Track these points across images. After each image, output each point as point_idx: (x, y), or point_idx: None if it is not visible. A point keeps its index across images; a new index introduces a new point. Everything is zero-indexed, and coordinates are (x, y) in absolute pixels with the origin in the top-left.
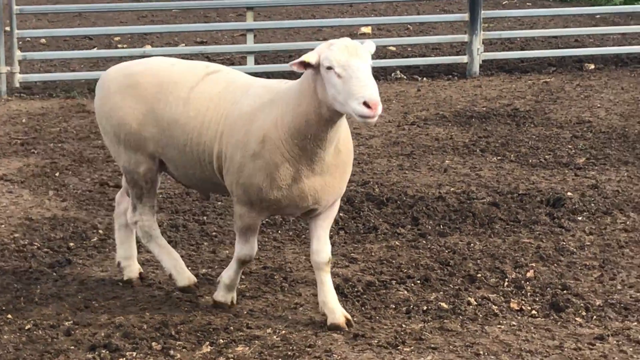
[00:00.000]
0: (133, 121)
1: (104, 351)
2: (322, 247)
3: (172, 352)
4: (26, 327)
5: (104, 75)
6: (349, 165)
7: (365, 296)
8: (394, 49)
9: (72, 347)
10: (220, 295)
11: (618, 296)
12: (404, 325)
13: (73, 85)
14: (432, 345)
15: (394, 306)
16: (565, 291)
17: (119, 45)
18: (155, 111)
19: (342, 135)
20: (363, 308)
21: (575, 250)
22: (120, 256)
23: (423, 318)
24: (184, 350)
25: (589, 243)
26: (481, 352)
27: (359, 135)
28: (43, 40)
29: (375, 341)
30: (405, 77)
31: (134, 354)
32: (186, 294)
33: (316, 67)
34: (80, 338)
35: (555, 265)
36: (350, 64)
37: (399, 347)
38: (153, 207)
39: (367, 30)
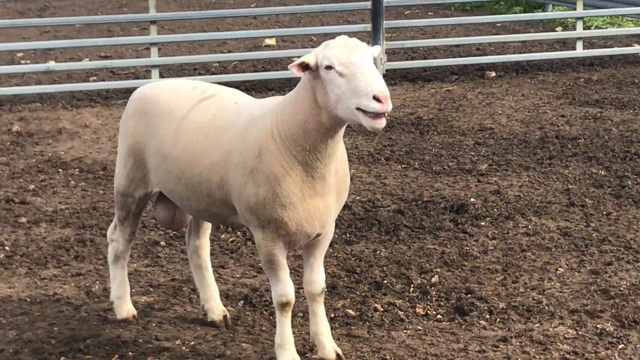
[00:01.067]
0: (141, 149)
1: None
2: (315, 277)
3: None
4: None
5: (134, 93)
6: (345, 188)
7: (272, 305)
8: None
9: None
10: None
11: (520, 298)
12: (303, 333)
13: None
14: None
15: (301, 314)
16: (469, 295)
17: (22, 62)
18: (155, 143)
19: (339, 155)
20: (271, 317)
21: (478, 254)
22: (202, 299)
23: (331, 325)
24: None
25: (492, 247)
26: (388, 357)
27: None
28: None
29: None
30: None
31: None
32: (126, 323)
33: (314, 70)
34: None
35: (459, 270)
36: (351, 60)
37: (307, 355)
38: (133, 233)
39: (272, 42)
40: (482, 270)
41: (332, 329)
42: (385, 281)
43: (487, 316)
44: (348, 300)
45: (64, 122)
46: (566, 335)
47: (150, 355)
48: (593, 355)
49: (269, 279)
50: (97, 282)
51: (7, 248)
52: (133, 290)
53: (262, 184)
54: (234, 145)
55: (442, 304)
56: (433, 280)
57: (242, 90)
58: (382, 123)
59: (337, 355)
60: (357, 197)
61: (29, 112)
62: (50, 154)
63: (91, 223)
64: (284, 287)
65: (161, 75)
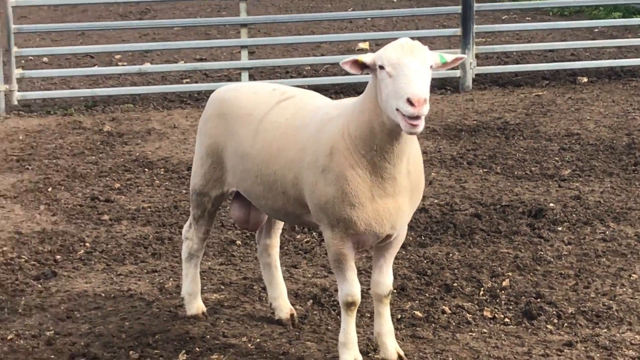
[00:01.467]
0: (219, 150)
1: (83, 359)
2: (383, 279)
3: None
4: (8, 337)
5: (212, 95)
6: (418, 191)
7: (338, 306)
8: None
9: (53, 357)
10: (343, 359)
11: (591, 304)
12: (369, 332)
13: (71, 103)
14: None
15: (369, 315)
16: (539, 299)
17: (119, 63)
18: (234, 144)
19: (412, 156)
20: (338, 317)
21: (552, 259)
22: (270, 297)
23: (396, 326)
24: (160, 358)
25: (566, 253)
26: (450, 359)
27: None
28: (45, 59)
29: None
30: None
31: None
32: (195, 319)
33: (374, 70)
34: (61, 347)
35: (531, 274)
36: (401, 62)
37: (369, 354)
38: (208, 232)
39: (365, 45)
40: (554, 275)
41: (397, 329)
42: (455, 284)
43: (555, 321)
44: (417, 302)
45: (154, 122)
46: (633, 341)
47: (216, 352)
48: None
49: (336, 278)
50: (171, 279)
51: (87, 244)
52: (205, 288)
53: (332, 183)
54: (308, 144)
55: (511, 307)
56: (504, 284)
57: (332, 93)
58: (416, 126)
59: (399, 356)
60: (435, 201)
61: (121, 112)
62: (137, 154)
63: (171, 221)
64: (351, 287)
65: (252, 78)
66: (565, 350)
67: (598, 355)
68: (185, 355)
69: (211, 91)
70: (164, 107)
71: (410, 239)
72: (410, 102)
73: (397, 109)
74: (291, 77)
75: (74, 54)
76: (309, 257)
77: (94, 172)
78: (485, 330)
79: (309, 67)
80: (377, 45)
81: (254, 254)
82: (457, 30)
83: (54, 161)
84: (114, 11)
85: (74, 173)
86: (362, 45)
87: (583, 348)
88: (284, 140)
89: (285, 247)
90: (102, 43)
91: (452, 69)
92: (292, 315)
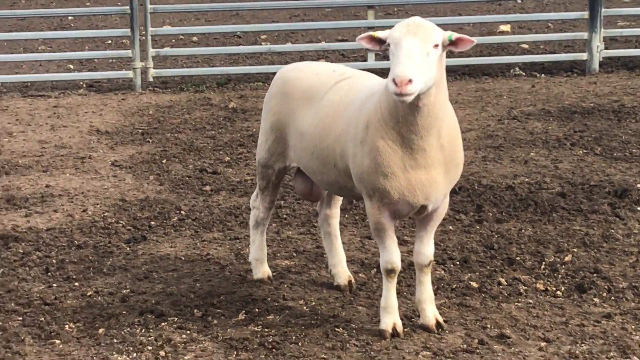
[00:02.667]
0: (282, 127)
1: (150, 315)
2: (423, 249)
3: (209, 318)
4: (88, 294)
5: (277, 74)
6: (454, 165)
7: (402, 274)
8: (526, 46)
9: (124, 312)
10: (383, 322)
11: None
12: None
13: (206, 80)
14: (444, 319)
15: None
16: (594, 274)
17: (263, 43)
18: (295, 123)
19: (444, 130)
20: (398, 285)
21: (620, 237)
22: (330, 264)
23: (447, 295)
24: (221, 317)
25: (637, 231)
26: (488, 326)
27: None
28: (195, 38)
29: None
30: (524, 73)
31: (175, 319)
32: (261, 283)
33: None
34: (133, 304)
35: (595, 250)
36: (400, 41)
37: (412, 320)
38: (273, 202)
39: (507, 28)
40: (618, 252)
41: (448, 298)
42: (518, 258)
43: (604, 294)
44: (477, 273)
45: None
46: None
47: (273, 313)
48: None
49: (378, 246)
50: (248, 247)
51: (182, 212)
52: (278, 255)
53: (367, 154)
54: (352, 119)
55: (566, 281)
56: (566, 259)
57: (463, 75)
58: (404, 100)
59: (438, 322)
60: (526, 179)
61: (250, 90)
62: (255, 130)
63: None
64: (390, 255)
65: (376, 59)
66: (602, 322)
67: (633, 327)
68: (244, 314)
69: None
70: None
71: (490, 215)
72: (394, 81)
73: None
74: None
75: (223, 33)
76: None
77: (209, 146)
78: (531, 301)
79: None
80: (519, 27)
81: None
82: (585, 14)
83: (175, 135)
84: None
85: (191, 146)
86: (503, 27)
87: (620, 320)
88: (336, 117)
89: (366, 220)
90: (253, 23)
91: (579, 51)
92: (349, 282)
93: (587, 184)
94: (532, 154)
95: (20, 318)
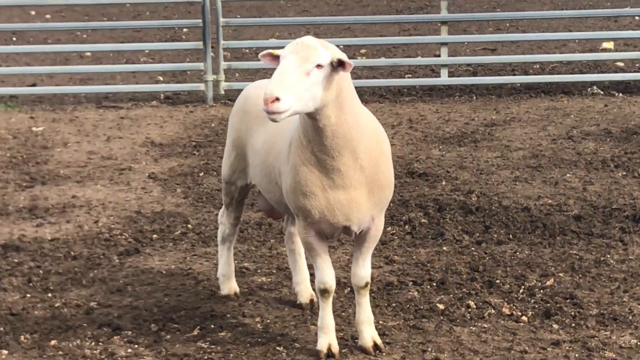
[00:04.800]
0: (242, 144)
1: (106, 329)
2: (358, 270)
3: (163, 333)
4: (56, 305)
5: (242, 92)
6: (378, 186)
7: (373, 295)
8: (621, 64)
9: (84, 325)
10: (319, 343)
11: (617, 307)
12: (382, 322)
13: None
14: (389, 341)
15: (394, 304)
16: (568, 300)
17: (359, 57)
18: (251, 140)
19: (361, 151)
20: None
21: (613, 263)
22: (294, 282)
23: (406, 317)
24: (176, 332)
25: (632, 257)
26: (428, 349)
27: (506, 147)
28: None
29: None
30: (601, 92)
31: (129, 332)
32: (227, 299)
33: None
34: (95, 317)
35: (580, 276)
36: (282, 59)
37: (356, 339)
38: (238, 219)
39: (609, 45)
40: (603, 278)
41: (405, 320)
42: (498, 281)
43: (567, 321)
44: (450, 295)
45: None
46: (623, 345)
47: (226, 329)
48: None
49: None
50: (236, 261)
51: (189, 226)
52: (259, 271)
53: (289, 173)
54: (287, 137)
55: (537, 306)
56: (547, 283)
57: (540, 92)
58: (273, 118)
59: (375, 343)
60: (549, 201)
61: None
62: None
63: None
64: (322, 275)
65: (450, 74)
66: (547, 349)
67: (577, 355)
68: (198, 330)
69: (407, 86)
70: (363, 100)
71: (495, 236)
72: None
73: None
74: (514, 74)
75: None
76: (377, 249)
77: None
78: (487, 325)
79: (537, 65)
80: (625, 45)
81: (333, 245)
82: None
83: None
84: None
85: None
86: (606, 44)
87: (567, 347)
88: (279, 134)
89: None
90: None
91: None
92: (311, 300)
93: (609, 207)
94: (568, 175)
95: None
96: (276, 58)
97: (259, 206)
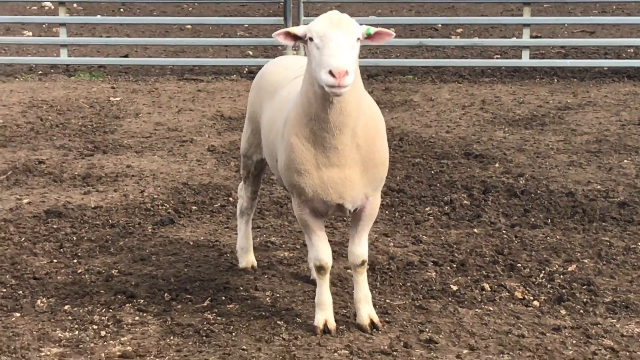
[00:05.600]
0: (256, 119)
1: (120, 296)
2: (354, 248)
3: (174, 302)
4: (78, 271)
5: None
6: (373, 165)
7: (390, 274)
8: None
9: (101, 291)
10: (316, 319)
11: (632, 296)
12: (388, 300)
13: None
14: (389, 320)
15: (408, 284)
16: (585, 286)
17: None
18: (263, 116)
19: (359, 129)
20: (379, 285)
21: None
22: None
23: (414, 296)
24: (188, 303)
25: None
26: (426, 330)
27: (572, 131)
28: None
29: (346, 310)
30: None
31: (142, 301)
32: (244, 272)
33: (305, 42)
34: (113, 285)
35: (604, 263)
36: (327, 34)
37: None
38: (255, 193)
39: None
40: (627, 266)
41: (414, 299)
42: (520, 265)
43: (577, 307)
44: (468, 277)
45: (417, 95)
46: (625, 333)
47: (235, 302)
48: (627, 354)
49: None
50: (264, 235)
51: (230, 199)
52: (283, 246)
53: (284, 150)
54: (283, 113)
55: (552, 291)
56: (569, 269)
57: (627, 77)
58: (339, 92)
59: (372, 322)
60: (598, 186)
61: (398, 83)
62: None
63: None
64: (318, 252)
65: (532, 57)
66: (547, 334)
67: (574, 341)
68: (209, 301)
69: (487, 67)
70: (441, 80)
71: (532, 220)
72: (331, 73)
73: (319, 78)
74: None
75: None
76: (408, 228)
77: None
78: (494, 308)
79: (632, 49)
80: None
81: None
82: None
83: None
84: None
85: None
86: None
87: (567, 334)
88: (279, 112)
89: (405, 217)
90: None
91: None
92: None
93: None
94: (625, 161)
95: (5, 290)
96: (290, 36)
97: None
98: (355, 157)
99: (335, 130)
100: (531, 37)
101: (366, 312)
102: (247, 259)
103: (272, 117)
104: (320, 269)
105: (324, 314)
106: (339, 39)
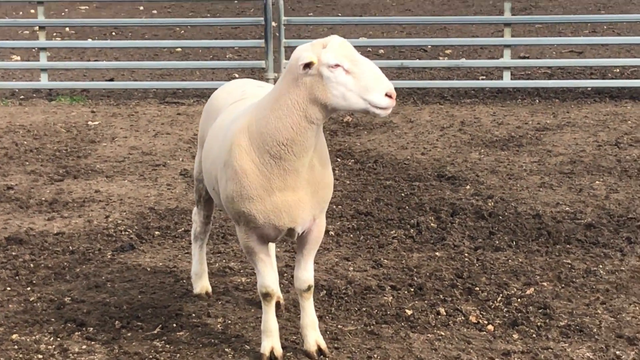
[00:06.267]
0: (203, 142)
1: (70, 324)
2: (300, 273)
3: (124, 330)
4: (30, 299)
5: None
6: (323, 185)
7: (346, 299)
8: None
9: (51, 320)
10: (262, 346)
11: (587, 319)
12: (340, 326)
13: None
14: (338, 346)
15: (364, 309)
16: (541, 310)
17: (440, 57)
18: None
19: (317, 150)
20: (334, 310)
21: (603, 273)
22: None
23: (367, 322)
24: (138, 330)
25: (624, 269)
26: (374, 355)
27: (548, 152)
28: None
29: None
30: None
31: (91, 329)
32: (198, 298)
33: (309, 69)
34: (64, 313)
35: (563, 286)
36: (357, 58)
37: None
38: (208, 217)
39: None
40: (586, 289)
41: (366, 325)
42: (478, 288)
43: (530, 331)
44: (424, 302)
45: (397, 116)
46: (574, 357)
47: (185, 329)
48: None
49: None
50: (224, 260)
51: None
52: (242, 271)
53: (231, 178)
54: (219, 141)
55: (508, 315)
56: (527, 292)
57: (605, 97)
58: (388, 113)
59: (319, 348)
60: (566, 208)
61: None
62: (347, 144)
63: None
64: (264, 279)
65: (513, 77)
66: (495, 359)
67: None
68: (159, 329)
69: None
70: (423, 102)
71: (496, 243)
72: (388, 95)
73: (369, 102)
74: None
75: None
76: (370, 252)
77: None
78: (446, 333)
79: (618, 69)
80: None
81: (329, 247)
82: None
83: None
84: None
85: None
86: None
87: (516, 358)
88: (214, 139)
89: (369, 241)
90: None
91: None
92: (277, 302)
93: (625, 216)
94: (597, 182)
95: None
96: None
97: None
98: (310, 178)
99: (302, 152)
100: (519, 57)
101: (313, 338)
102: (202, 284)
103: (207, 145)
104: (266, 295)
105: (270, 341)
106: (370, 62)
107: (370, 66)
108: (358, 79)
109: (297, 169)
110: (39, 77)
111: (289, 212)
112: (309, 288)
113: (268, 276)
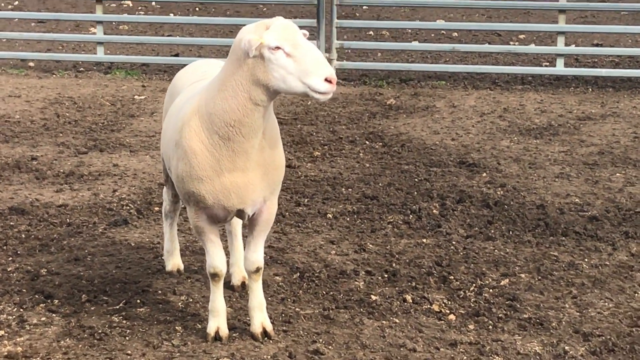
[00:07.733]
0: None
1: (38, 296)
2: (249, 255)
3: (88, 304)
4: (8, 269)
5: None
6: (274, 167)
7: (317, 282)
8: None
9: (22, 290)
10: (208, 325)
11: (552, 312)
12: (298, 309)
13: (389, 75)
14: (287, 329)
15: (331, 293)
16: (508, 302)
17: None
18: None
19: (267, 131)
20: (302, 293)
21: (585, 268)
22: (229, 262)
23: (328, 306)
24: (102, 304)
25: (609, 263)
26: (319, 340)
27: (580, 142)
28: (385, 32)
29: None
30: None
31: (56, 301)
32: (169, 275)
33: (250, 51)
34: (36, 284)
35: (540, 278)
36: (299, 42)
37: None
38: (176, 196)
39: None
40: (562, 282)
41: (324, 309)
42: (452, 277)
43: (488, 323)
44: (395, 289)
45: (442, 101)
46: (521, 351)
47: (147, 305)
48: None
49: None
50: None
51: None
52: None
53: (181, 158)
54: (171, 123)
55: (473, 305)
56: (502, 283)
57: None
58: (327, 98)
59: (264, 330)
60: (575, 199)
61: (429, 88)
62: (382, 127)
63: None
64: (212, 260)
65: (566, 65)
66: (440, 349)
67: (465, 357)
68: (123, 304)
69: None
70: (474, 87)
71: (490, 232)
72: (328, 80)
73: (308, 86)
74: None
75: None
76: (359, 236)
77: (318, 140)
78: (400, 320)
79: None
80: None
81: (320, 230)
82: None
83: (306, 126)
84: None
85: (301, 138)
86: None
87: (461, 349)
88: (169, 120)
89: (363, 225)
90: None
91: None
92: (243, 282)
93: (633, 210)
94: (618, 174)
95: None
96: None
97: None
98: (260, 160)
99: (252, 134)
100: (592, 45)
101: (259, 320)
102: (173, 262)
103: (166, 123)
104: (214, 276)
105: (217, 321)
106: (312, 45)
107: (311, 50)
108: (298, 62)
109: (247, 151)
110: (95, 51)
111: (237, 193)
112: (257, 270)
113: (217, 256)
